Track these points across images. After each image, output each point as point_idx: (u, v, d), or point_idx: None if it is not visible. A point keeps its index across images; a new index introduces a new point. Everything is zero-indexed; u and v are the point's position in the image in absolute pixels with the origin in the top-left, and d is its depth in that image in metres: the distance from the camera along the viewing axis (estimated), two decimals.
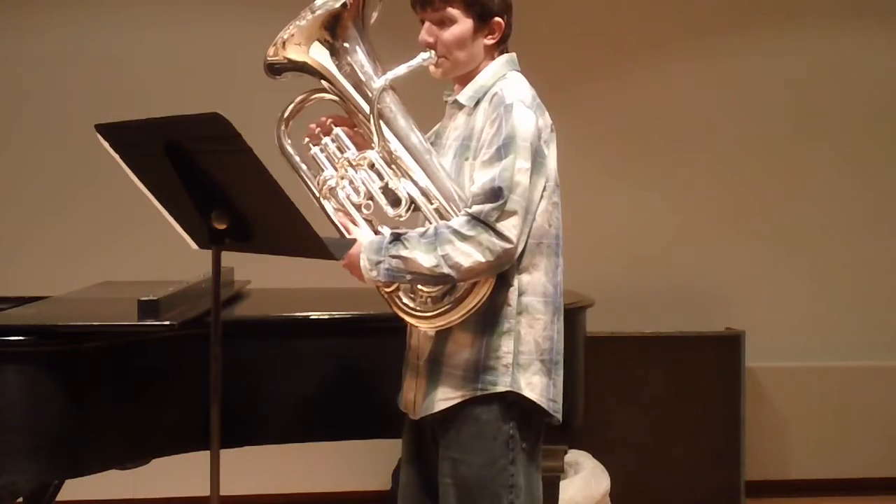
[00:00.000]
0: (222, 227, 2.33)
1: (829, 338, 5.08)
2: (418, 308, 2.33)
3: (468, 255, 2.22)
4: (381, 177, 2.37)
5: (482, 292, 2.28)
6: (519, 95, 2.31)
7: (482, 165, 2.27)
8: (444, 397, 2.35)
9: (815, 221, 5.12)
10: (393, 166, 2.36)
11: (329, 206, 2.40)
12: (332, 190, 2.40)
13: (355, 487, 4.80)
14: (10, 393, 2.51)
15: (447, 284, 2.28)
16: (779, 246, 5.11)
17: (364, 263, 2.29)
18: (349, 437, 2.98)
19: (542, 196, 2.32)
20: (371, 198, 2.37)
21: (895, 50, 5.17)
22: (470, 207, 2.25)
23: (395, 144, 2.36)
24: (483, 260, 2.23)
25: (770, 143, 5.09)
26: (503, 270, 2.28)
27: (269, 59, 2.44)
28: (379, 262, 2.28)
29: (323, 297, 3.37)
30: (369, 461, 4.61)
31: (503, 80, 2.37)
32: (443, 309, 2.30)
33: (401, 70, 2.33)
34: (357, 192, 2.38)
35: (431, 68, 2.38)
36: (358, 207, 2.37)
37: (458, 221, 2.25)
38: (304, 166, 2.44)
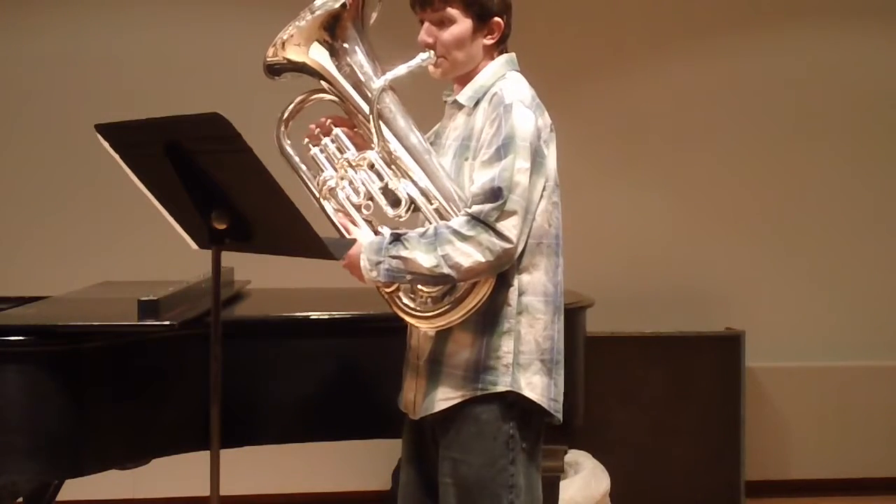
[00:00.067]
0: (222, 227, 2.33)
1: (829, 338, 5.08)
2: (418, 308, 2.33)
3: (468, 255, 2.22)
4: (380, 177, 2.37)
5: (482, 292, 2.28)
6: (518, 95, 2.31)
7: (482, 165, 2.27)
8: (445, 397, 2.35)
9: (815, 221, 5.12)
10: (393, 167, 2.36)
11: (329, 207, 2.40)
12: (331, 190, 2.40)
13: (355, 487, 4.80)
14: (10, 393, 2.51)
15: (447, 284, 2.28)
16: (779, 246, 5.11)
17: (364, 264, 2.29)
18: (349, 437, 2.98)
19: (541, 196, 2.32)
20: (371, 198, 2.37)
21: (895, 50, 5.16)
22: (470, 207, 2.25)
23: (394, 145, 2.36)
24: (483, 260, 2.23)
25: (770, 143, 5.09)
26: (503, 270, 2.28)
27: (268, 59, 2.44)
28: (379, 263, 2.28)
29: (323, 297, 3.37)
30: (369, 461, 4.61)
31: (502, 80, 2.37)
32: (443, 309, 2.30)
33: (400, 70, 2.33)
34: (357, 192, 2.38)
35: (431, 68, 2.38)
36: (358, 208, 2.37)
37: (458, 221, 2.25)
38: (303, 167, 2.44)
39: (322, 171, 2.43)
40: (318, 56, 2.41)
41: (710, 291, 5.03)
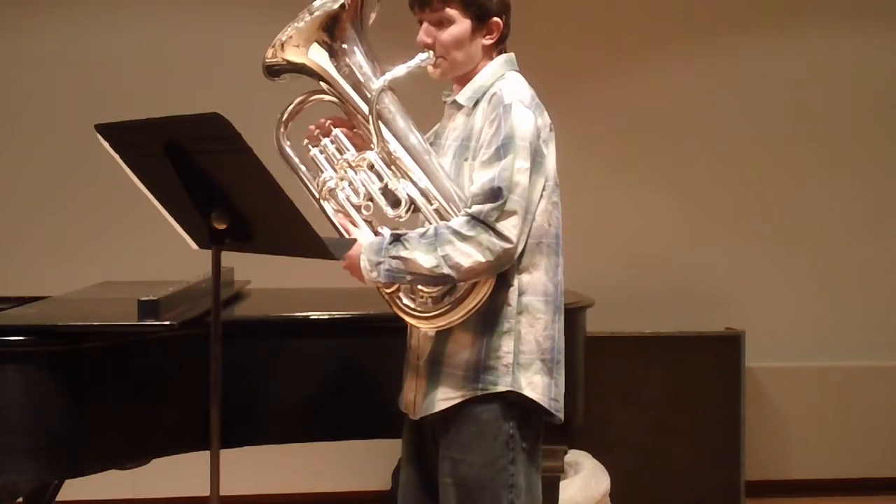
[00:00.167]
0: (222, 227, 2.33)
1: (829, 338, 5.08)
2: (418, 308, 2.34)
3: (468, 256, 2.22)
4: (380, 178, 2.37)
5: (482, 292, 2.28)
6: (518, 95, 2.31)
7: (481, 166, 2.27)
8: (445, 397, 2.35)
9: (815, 221, 5.12)
10: (392, 167, 2.36)
11: (329, 208, 2.40)
12: (331, 191, 2.40)
13: (355, 487, 4.80)
14: (10, 393, 2.51)
15: (447, 285, 2.28)
16: (779, 246, 5.11)
17: (364, 264, 2.29)
18: (349, 437, 2.98)
19: (541, 196, 2.32)
20: (371, 199, 2.37)
21: (895, 50, 5.16)
22: (469, 208, 2.25)
23: (394, 145, 2.36)
24: (483, 260, 2.23)
25: (770, 143, 5.09)
26: (503, 270, 2.28)
27: (267, 60, 2.44)
28: (379, 263, 2.28)
29: (323, 297, 3.37)
30: (369, 461, 4.61)
31: (502, 80, 2.37)
32: (443, 309, 2.30)
33: (399, 71, 2.33)
34: (357, 193, 2.38)
35: (430, 69, 2.38)
36: (358, 208, 2.37)
37: (458, 222, 2.25)
38: (303, 168, 2.45)
39: (322, 171, 2.43)
40: (317, 57, 2.41)
41: (710, 291, 5.03)
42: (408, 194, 2.33)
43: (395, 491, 2.59)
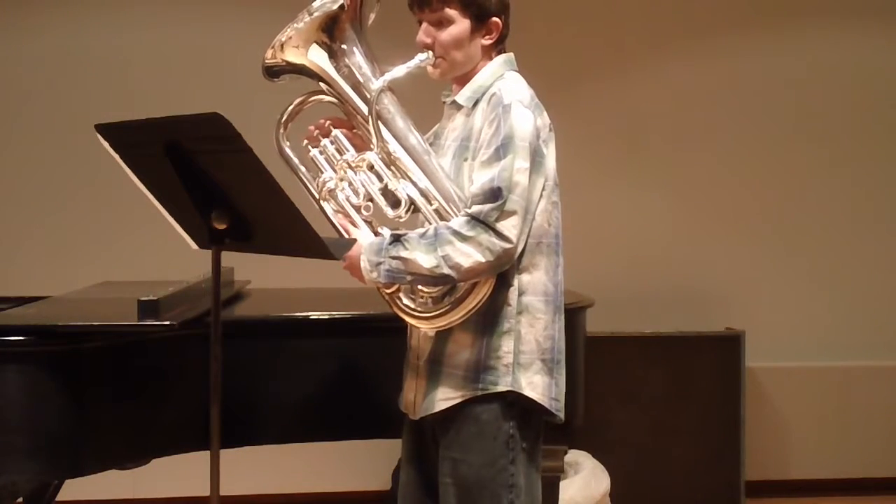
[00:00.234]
0: (222, 227, 2.33)
1: (829, 338, 5.08)
2: (419, 309, 2.34)
3: (468, 256, 2.22)
4: (380, 178, 2.37)
5: (482, 292, 2.28)
6: (517, 95, 2.31)
7: (481, 166, 2.27)
8: (445, 397, 2.35)
9: (815, 221, 5.12)
10: (392, 167, 2.36)
11: (329, 208, 2.40)
12: (331, 192, 2.40)
13: (355, 487, 4.80)
14: (10, 393, 2.51)
15: (447, 285, 2.29)
16: (779, 246, 5.11)
17: (364, 265, 2.30)
18: (349, 437, 2.98)
19: (541, 195, 2.32)
20: (370, 199, 2.37)
21: (895, 50, 5.16)
22: (469, 208, 2.25)
23: (393, 146, 2.36)
24: (483, 260, 2.23)
25: (770, 143, 5.09)
26: (503, 270, 2.28)
27: (267, 61, 2.45)
28: (379, 264, 2.28)
29: (323, 297, 3.37)
30: (369, 461, 4.61)
31: (501, 81, 2.37)
32: (443, 309, 2.30)
33: (399, 71, 2.33)
34: (356, 193, 2.38)
35: (429, 69, 2.38)
36: (357, 209, 2.37)
37: (458, 222, 2.25)
38: (303, 168, 2.45)
39: (321, 172, 2.43)
40: (316, 58, 2.41)
41: (710, 291, 5.03)
42: (407, 195, 2.33)
43: (395, 491, 2.59)
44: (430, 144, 2.45)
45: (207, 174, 2.30)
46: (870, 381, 5.01)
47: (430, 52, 2.36)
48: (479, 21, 2.36)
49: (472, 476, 2.32)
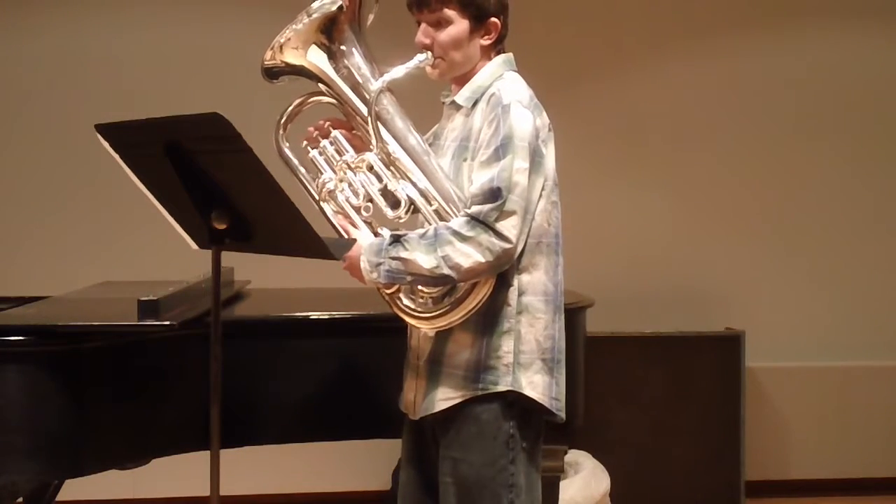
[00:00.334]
0: (222, 227, 2.33)
1: (829, 338, 5.08)
2: (419, 309, 2.34)
3: (468, 256, 2.22)
4: (379, 179, 2.37)
5: (482, 293, 2.28)
6: (516, 95, 2.31)
7: (480, 166, 2.27)
8: (445, 397, 2.35)
9: (815, 221, 5.12)
10: (391, 168, 2.36)
11: (328, 209, 2.40)
12: (331, 193, 2.40)
13: (355, 487, 4.80)
14: (10, 393, 2.51)
15: (447, 285, 2.29)
16: (779, 246, 5.11)
17: (364, 265, 2.30)
18: (349, 437, 2.98)
19: (540, 195, 2.32)
20: (370, 200, 2.37)
21: (895, 50, 5.17)
22: (469, 208, 2.26)
23: (393, 146, 2.36)
24: (483, 260, 2.23)
25: (770, 143, 5.09)
26: (503, 270, 2.28)
27: (266, 63, 2.45)
28: (379, 264, 2.28)
29: (323, 297, 3.37)
30: (369, 461, 4.61)
31: (500, 81, 2.37)
32: (443, 309, 2.30)
33: (398, 72, 2.33)
34: (356, 194, 2.38)
35: (428, 69, 2.38)
36: (357, 210, 2.37)
37: (458, 222, 2.25)
38: (302, 169, 2.45)
39: (321, 173, 2.43)
40: (316, 59, 2.41)
41: (710, 291, 5.03)
42: (407, 195, 2.33)
43: (395, 491, 2.59)
44: (430, 145, 2.45)
45: (207, 174, 2.30)
46: (870, 381, 5.01)
47: (429, 53, 2.36)
48: (478, 21, 2.36)
49: (473, 476, 2.32)
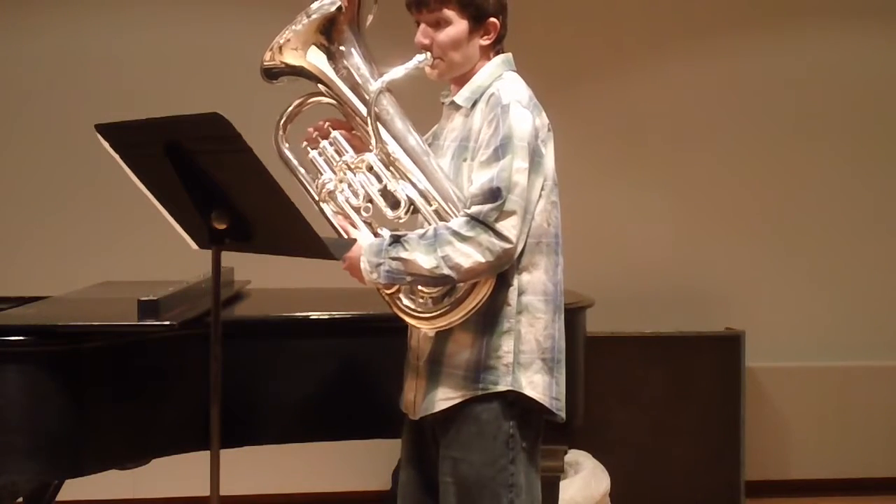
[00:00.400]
0: (222, 227, 2.33)
1: (829, 338, 5.08)
2: (419, 309, 2.34)
3: (468, 256, 2.22)
4: (379, 179, 2.37)
5: (482, 293, 2.28)
6: (516, 96, 2.31)
7: (480, 166, 2.27)
8: (445, 397, 2.35)
9: (815, 221, 5.13)
10: (391, 168, 2.36)
11: (328, 210, 2.40)
12: (330, 193, 2.40)
13: (355, 487, 4.80)
14: (10, 393, 2.51)
15: (447, 285, 2.29)
16: (779, 246, 5.11)
17: (364, 266, 2.30)
18: (349, 437, 2.98)
19: (540, 195, 2.33)
20: (370, 200, 2.37)
21: (895, 50, 5.17)
22: (469, 208, 2.26)
23: (392, 146, 2.36)
24: (483, 260, 2.23)
25: (770, 143, 5.09)
26: (503, 270, 2.28)
27: (265, 63, 2.45)
28: (379, 265, 2.28)
29: (323, 297, 3.37)
30: (369, 461, 4.61)
31: (499, 81, 2.37)
32: (443, 310, 2.30)
33: (397, 72, 2.33)
34: (356, 194, 2.38)
35: (427, 70, 2.38)
36: (357, 210, 2.37)
37: (458, 222, 2.25)
38: (302, 170, 2.45)
39: (321, 174, 2.43)
40: (315, 60, 2.41)
41: (710, 291, 5.03)
42: (407, 195, 2.34)
43: (395, 491, 2.59)
44: (429, 145, 2.45)
45: (207, 174, 2.30)
46: (870, 381, 5.01)
47: (429, 53, 2.37)
48: (477, 21, 2.36)
49: (473, 475, 2.32)
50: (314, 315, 2.96)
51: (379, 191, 2.37)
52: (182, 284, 2.93)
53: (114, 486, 4.05)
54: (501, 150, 2.25)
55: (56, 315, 2.92)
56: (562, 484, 3.37)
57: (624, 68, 5.05)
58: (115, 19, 4.77)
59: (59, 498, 3.35)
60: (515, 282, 2.32)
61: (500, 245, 2.23)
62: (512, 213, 2.24)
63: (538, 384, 2.34)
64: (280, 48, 2.42)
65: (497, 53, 2.43)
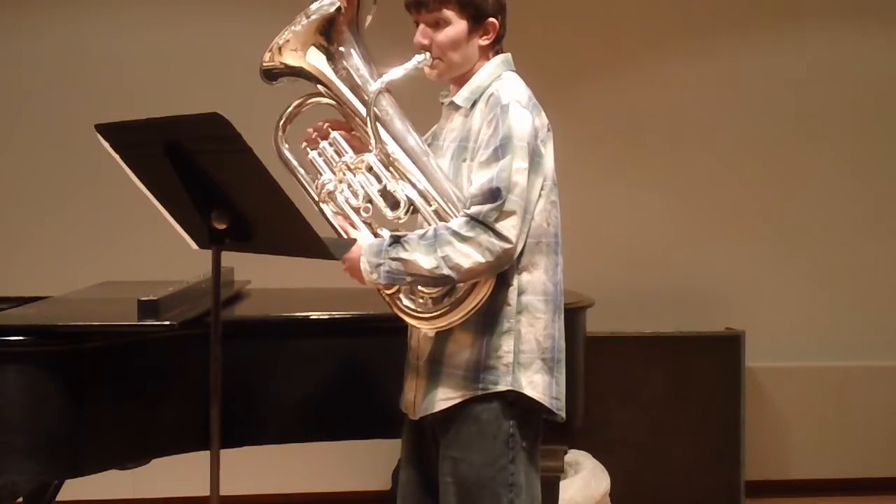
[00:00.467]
0: (222, 227, 2.33)
1: (829, 338, 5.08)
2: (419, 309, 2.34)
3: (468, 256, 2.22)
4: (379, 179, 2.37)
5: (482, 293, 2.28)
6: (515, 96, 2.31)
7: (480, 166, 2.27)
8: (445, 397, 2.35)
9: (815, 221, 5.13)
10: (391, 169, 2.36)
11: (328, 210, 2.40)
12: (330, 194, 2.40)
13: (355, 487, 4.80)
14: (10, 393, 2.51)
15: (447, 286, 2.29)
16: (779, 246, 5.11)
17: (364, 266, 2.30)
18: (349, 437, 2.98)
19: (540, 195, 2.33)
20: (370, 201, 2.37)
21: (895, 50, 5.17)
22: (468, 208, 2.26)
23: (392, 147, 2.36)
24: (483, 260, 2.23)
25: (770, 143, 5.10)
26: (503, 270, 2.29)
27: (265, 64, 2.45)
28: (379, 265, 2.28)
29: (323, 297, 3.37)
30: (369, 461, 4.61)
31: (499, 81, 2.37)
32: (443, 310, 2.30)
33: (396, 73, 2.33)
34: (355, 195, 2.38)
35: (427, 70, 2.38)
36: (357, 210, 2.38)
37: (457, 223, 2.25)
38: (302, 171, 2.45)
39: (320, 174, 2.43)
40: (314, 60, 2.42)
41: (710, 291, 5.03)
42: (407, 196, 2.34)
43: (395, 491, 2.59)
44: (429, 145, 2.45)
45: (207, 174, 2.30)
46: (870, 381, 5.01)
47: (428, 54, 2.37)
48: (476, 22, 2.36)
49: (473, 475, 2.32)
50: (314, 315, 2.96)
51: (378, 191, 2.37)
52: (182, 284, 2.93)
53: (114, 486, 4.04)
54: (501, 151, 2.25)
55: (56, 315, 2.92)
56: (562, 484, 3.37)
57: (623, 68, 5.05)
58: (115, 19, 4.77)
59: (59, 498, 3.35)
60: (515, 282, 2.32)
61: (499, 245, 2.23)
62: (512, 213, 2.24)
63: (538, 384, 2.34)
64: (279, 49, 2.42)
65: (496, 53, 2.43)
